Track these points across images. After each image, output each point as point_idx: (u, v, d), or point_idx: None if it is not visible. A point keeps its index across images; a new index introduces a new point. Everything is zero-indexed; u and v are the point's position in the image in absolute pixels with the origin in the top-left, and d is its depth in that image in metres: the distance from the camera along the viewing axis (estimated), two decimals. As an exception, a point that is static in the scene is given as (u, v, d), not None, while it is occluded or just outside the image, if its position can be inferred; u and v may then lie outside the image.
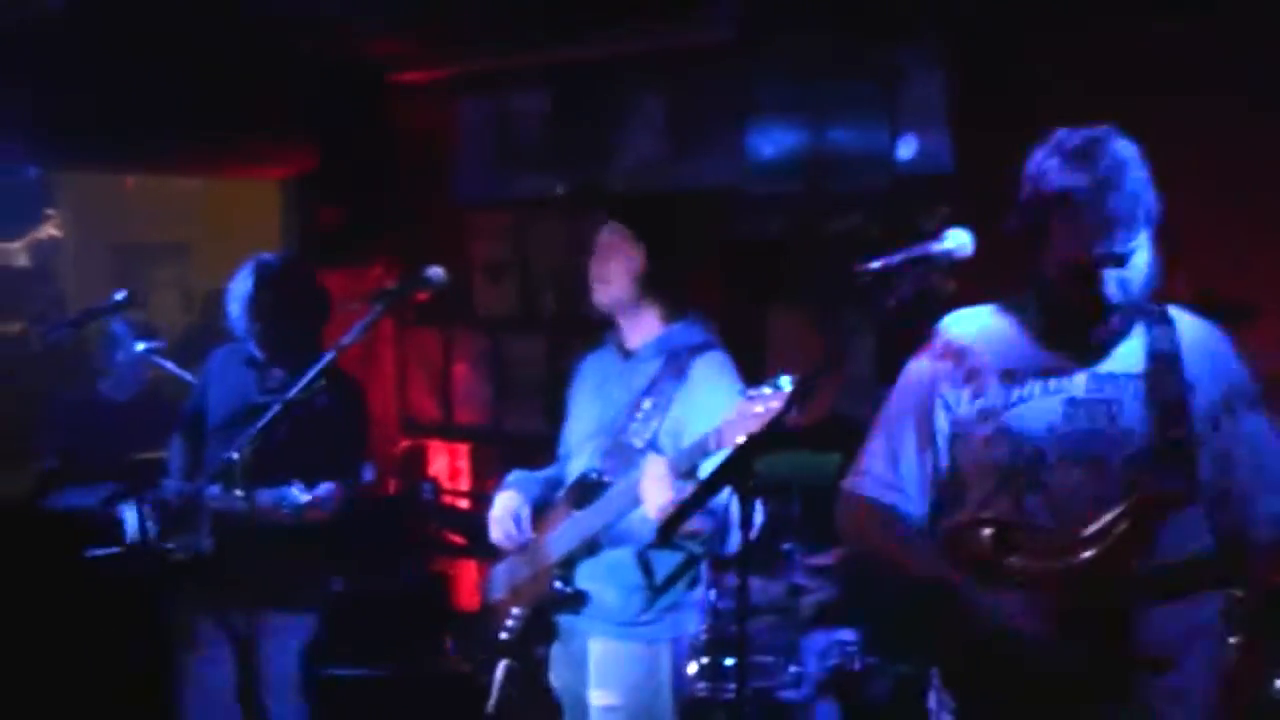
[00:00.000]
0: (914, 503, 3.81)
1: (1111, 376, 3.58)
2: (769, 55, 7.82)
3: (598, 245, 5.11)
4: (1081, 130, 3.54)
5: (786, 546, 6.37)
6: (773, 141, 7.84)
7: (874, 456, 3.89)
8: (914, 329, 6.77)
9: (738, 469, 3.62)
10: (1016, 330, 3.73)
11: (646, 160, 8.47)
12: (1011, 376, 3.67)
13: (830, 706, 6.27)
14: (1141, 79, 6.19)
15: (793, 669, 6.26)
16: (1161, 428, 3.51)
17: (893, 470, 3.83)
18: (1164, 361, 3.56)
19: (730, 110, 8.03)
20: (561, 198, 8.96)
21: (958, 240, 3.66)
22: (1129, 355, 3.59)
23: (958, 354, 3.78)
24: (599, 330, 5.33)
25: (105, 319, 7.81)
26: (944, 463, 3.78)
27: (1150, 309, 3.62)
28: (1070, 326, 3.61)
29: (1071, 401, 3.59)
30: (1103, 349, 3.61)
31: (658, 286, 5.05)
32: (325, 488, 5.79)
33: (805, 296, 7.50)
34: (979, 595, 3.56)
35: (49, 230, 14.22)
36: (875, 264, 3.71)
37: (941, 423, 3.77)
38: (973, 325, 3.82)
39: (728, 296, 7.65)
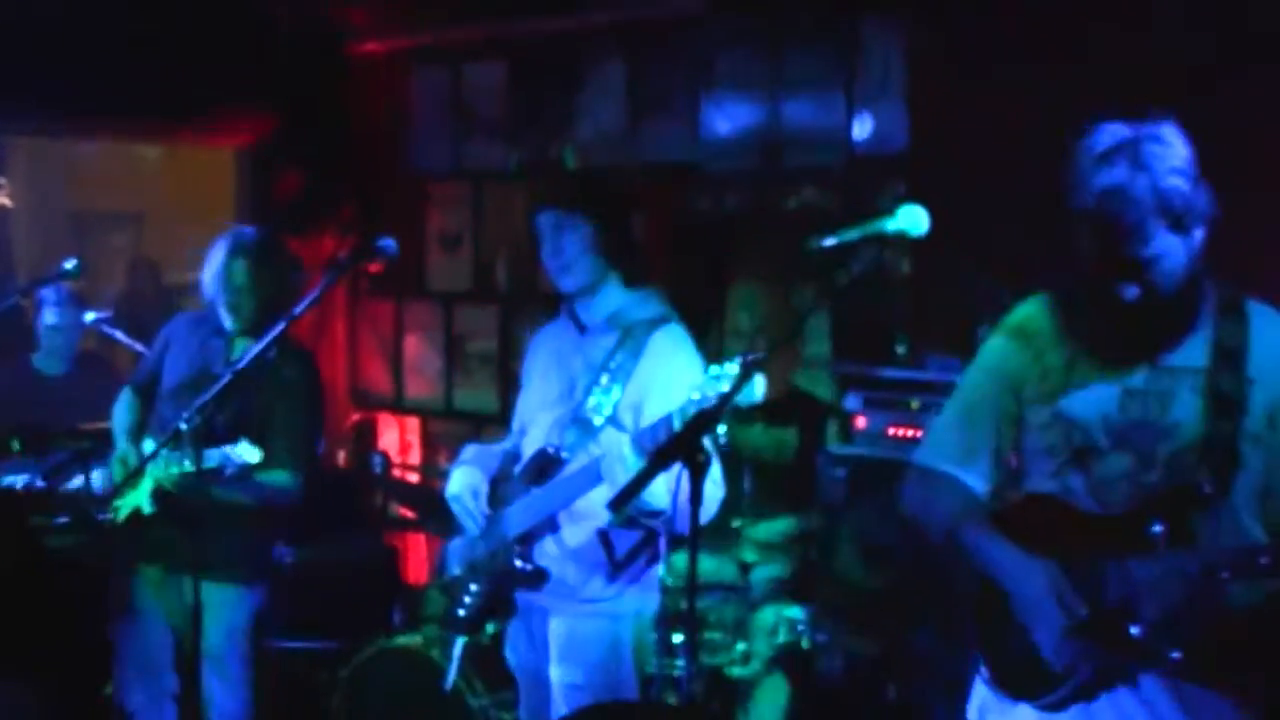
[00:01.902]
0: (981, 479, 3.84)
1: (1170, 369, 3.58)
2: (726, 30, 7.80)
3: (543, 233, 5.06)
4: (1119, 127, 3.51)
5: (736, 523, 6.36)
6: (729, 116, 7.82)
7: (946, 430, 3.95)
8: (868, 305, 6.80)
9: (689, 444, 3.60)
10: (1081, 318, 3.72)
11: (603, 134, 8.45)
12: (1073, 363, 3.69)
13: (779, 683, 6.26)
14: (1102, 58, 6.18)
15: (741, 646, 6.26)
16: (1212, 423, 3.51)
17: (962, 446, 3.87)
18: (1227, 356, 3.54)
19: (688, 85, 8.01)
20: (518, 170, 8.92)
21: (911, 218, 3.64)
22: (1193, 348, 3.58)
23: (1028, 336, 3.79)
24: (552, 304, 5.31)
25: (37, 290, 7.72)
26: (1009, 442, 3.82)
27: (1224, 302, 3.61)
28: (1127, 321, 3.59)
29: (1128, 392, 3.60)
30: (1167, 341, 3.60)
31: (614, 260, 5.03)
32: (281, 476, 5.81)
33: (760, 272, 7.50)
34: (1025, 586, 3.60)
35: (0, 198, 14.10)
36: (829, 240, 3.70)
37: (1009, 403, 3.79)
38: (1043, 309, 3.81)
39: (683, 271, 7.64)
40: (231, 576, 5.87)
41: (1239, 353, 3.55)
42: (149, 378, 6.24)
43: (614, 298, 5.06)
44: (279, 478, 5.80)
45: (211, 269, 6.04)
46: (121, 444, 6.06)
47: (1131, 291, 3.46)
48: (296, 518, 6.31)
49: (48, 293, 7.82)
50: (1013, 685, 3.71)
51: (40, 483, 6.82)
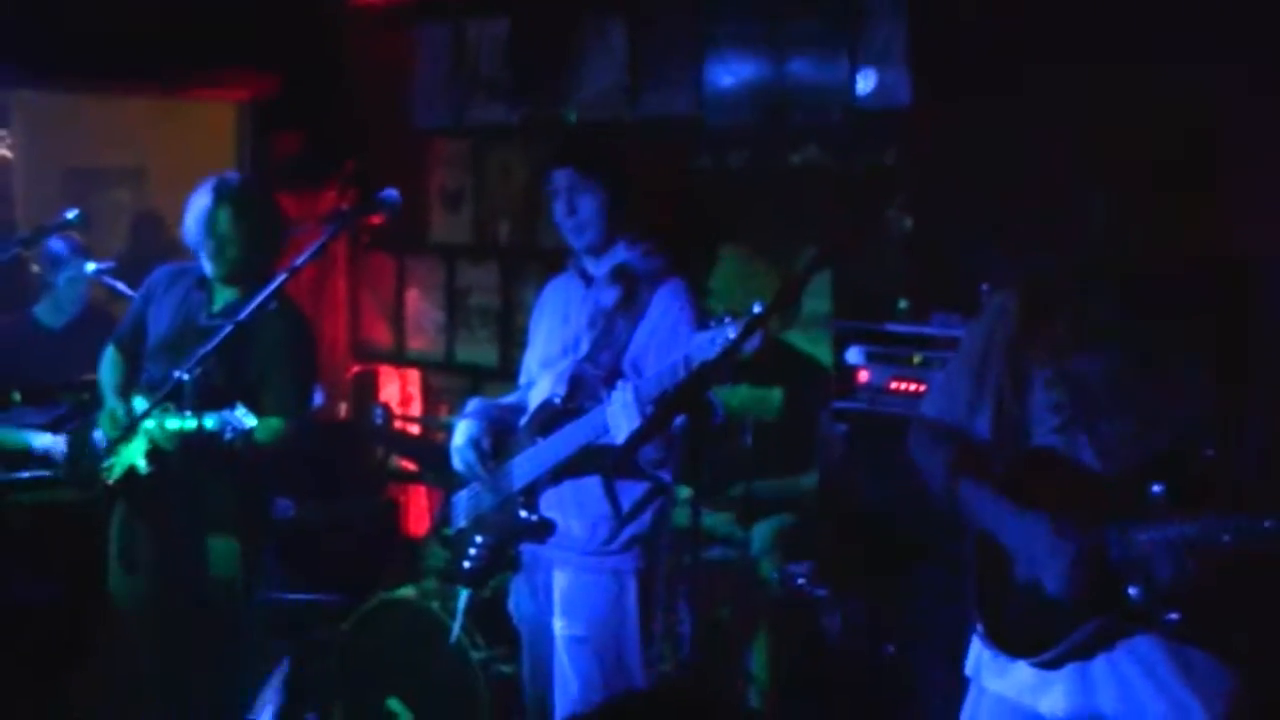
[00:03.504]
0: (986, 432, 3.86)
1: (1176, 335, 3.57)
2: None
3: (557, 190, 5.08)
4: (1108, 101, 3.53)
5: (738, 480, 6.38)
6: (731, 73, 7.81)
7: (950, 383, 3.97)
8: (869, 264, 6.79)
9: (692, 398, 3.61)
10: (1087, 280, 3.72)
11: (605, 90, 8.43)
12: (1078, 322, 3.68)
13: (778, 638, 6.28)
14: (1102, 22, 6.17)
15: (741, 600, 6.27)
16: (1218, 386, 3.52)
17: (966, 399, 3.88)
18: (1231, 319, 3.54)
19: (690, 40, 8.00)
20: (520, 125, 8.91)
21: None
22: (1201, 314, 3.57)
23: (1035, 294, 3.79)
24: (553, 260, 5.32)
25: (43, 241, 7.71)
26: (1013, 398, 3.81)
27: (1224, 269, 3.60)
28: (1135, 285, 3.60)
29: (1132, 354, 3.60)
30: (1173, 306, 3.59)
31: (624, 220, 5.05)
32: (274, 424, 5.75)
33: (762, 229, 7.50)
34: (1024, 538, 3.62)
35: (1, 151, 14.07)
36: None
37: (1014, 358, 3.79)
38: (1050, 270, 3.82)
39: (684, 227, 7.64)
40: (229, 530, 5.84)
41: (1244, 316, 3.56)
42: (132, 333, 6.21)
43: (619, 253, 5.09)
44: (272, 425, 5.74)
45: (194, 215, 5.98)
46: (110, 400, 6.05)
47: (1141, 254, 3.47)
48: (296, 470, 6.31)
49: (58, 245, 7.80)
50: (1010, 642, 3.72)
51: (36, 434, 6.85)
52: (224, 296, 6.00)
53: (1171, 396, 3.55)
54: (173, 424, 5.47)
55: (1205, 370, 3.53)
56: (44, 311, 7.93)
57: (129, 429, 5.68)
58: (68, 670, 6.68)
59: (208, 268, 6.01)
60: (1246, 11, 5.70)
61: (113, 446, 5.83)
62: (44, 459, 6.89)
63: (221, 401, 5.36)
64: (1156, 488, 3.45)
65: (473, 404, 5.41)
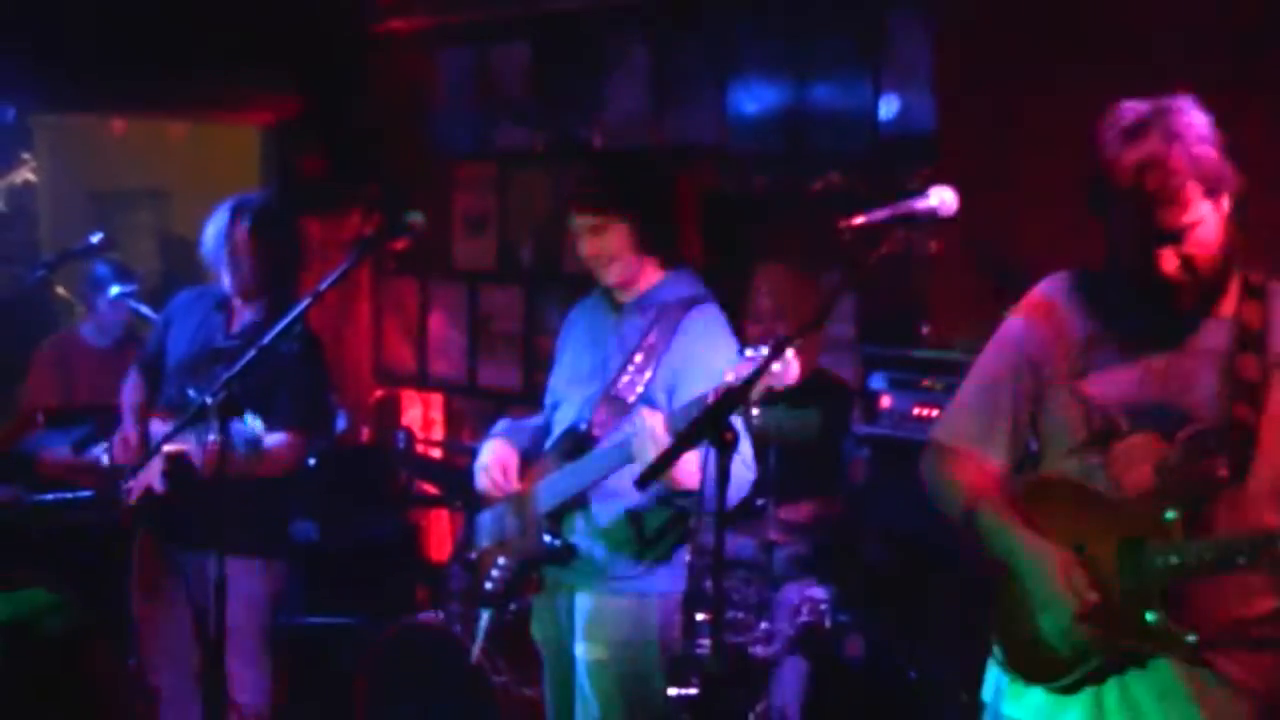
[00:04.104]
0: (999, 457, 3.84)
1: (1192, 351, 3.57)
2: (752, 11, 7.80)
3: (581, 230, 5.04)
4: (1139, 104, 3.52)
5: (760, 501, 6.36)
6: (755, 98, 7.82)
7: (963, 407, 3.95)
8: (893, 288, 6.80)
9: (716, 423, 3.60)
10: (1102, 298, 3.72)
11: (629, 115, 8.45)
12: (1093, 341, 3.68)
13: (800, 663, 6.27)
14: (1129, 42, 6.17)
15: (764, 625, 6.26)
16: (1232, 407, 3.50)
17: (980, 423, 3.87)
18: (1249, 339, 3.54)
19: (713, 66, 8.01)
20: (543, 150, 8.93)
21: (942, 198, 3.65)
22: (1215, 330, 3.58)
23: (1048, 315, 3.78)
24: (576, 283, 5.31)
25: (86, 263, 7.78)
26: (1027, 421, 3.81)
27: (1248, 284, 3.60)
28: (1151, 299, 3.59)
29: (1148, 373, 3.59)
30: (1187, 322, 3.59)
31: (653, 248, 5.04)
32: (281, 437, 5.77)
33: (787, 255, 7.50)
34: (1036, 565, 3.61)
35: (24, 174, 14.11)
36: (859, 219, 3.71)
37: (1028, 381, 3.79)
38: (1064, 289, 3.80)
39: (708, 253, 7.65)
40: (248, 550, 5.83)
41: (1261, 336, 3.55)
42: (153, 357, 6.24)
43: (650, 278, 5.08)
44: (280, 437, 5.76)
45: (213, 232, 6.03)
46: (126, 423, 6.09)
47: (1172, 262, 3.46)
48: (319, 494, 6.31)
49: (100, 269, 7.91)
50: (1026, 669, 3.72)
51: (70, 453, 6.87)
52: (242, 317, 6.04)
53: (1186, 416, 3.53)
54: (184, 442, 5.50)
55: (1221, 388, 3.52)
56: (89, 331, 8.04)
57: (149, 451, 5.70)
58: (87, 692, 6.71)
59: (226, 284, 6.04)
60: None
61: (131, 469, 5.85)
62: (79, 475, 6.92)
63: (232, 413, 5.36)
64: (1173, 513, 3.44)
65: (500, 424, 5.41)
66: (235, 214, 6.00)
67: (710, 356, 4.66)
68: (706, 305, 5.02)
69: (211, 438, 5.21)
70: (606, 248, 4.99)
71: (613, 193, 5.06)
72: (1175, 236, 3.44)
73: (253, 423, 5.34)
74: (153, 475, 5.77)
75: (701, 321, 4.96)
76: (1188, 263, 3.47)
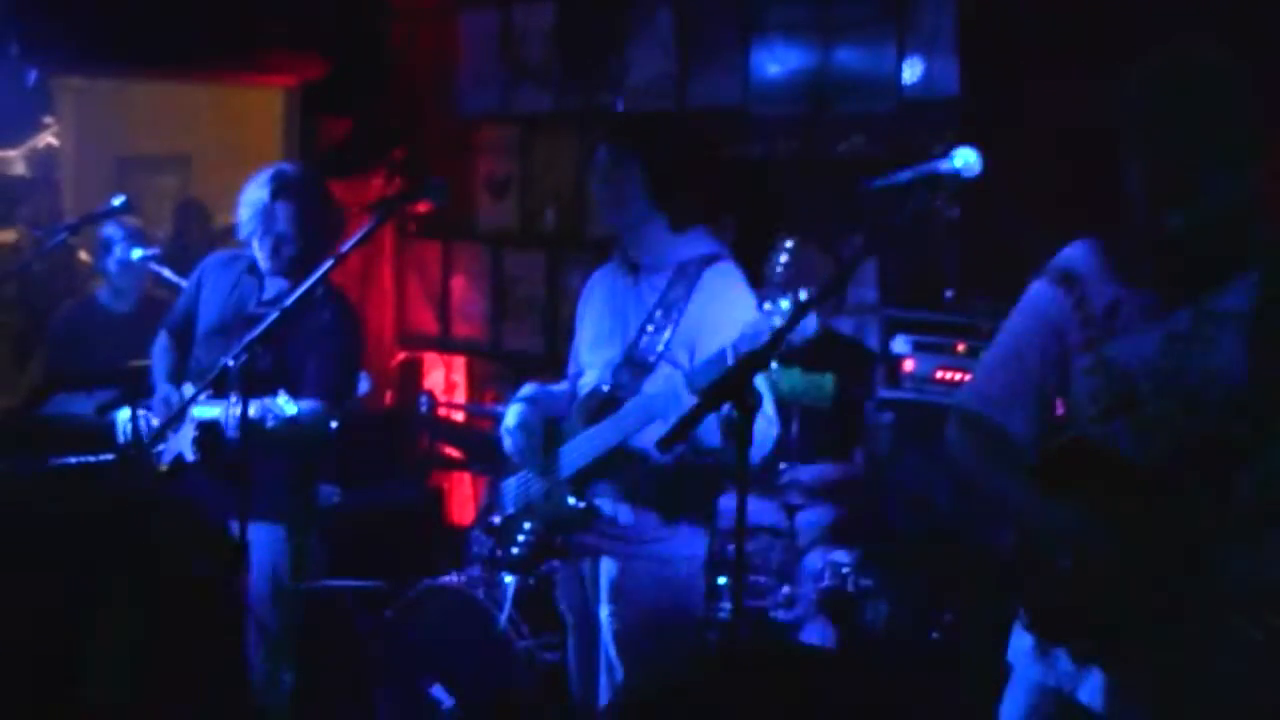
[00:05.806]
0: (1024, 424, 3.82)
1: (1215, 313, 3.53)
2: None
3: (598, 167, 5.08)
4: (1156, 59, 3.50)
5: (783, 466, 6.36)
6: (779, 61, 7.79)
7: (989, 374, 3.93)
8: (916, 252, 6.78)
9: (739, 384, 3.60)
10: (1124, 261, 3.69)
11: (652, 78, 8.43)
12: (1115, 307, 3.65)
13: (824, 627, 6.27)
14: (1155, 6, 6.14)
15: (786, 589, 6.26)
16: (1257, 369, 3.47)
17: (1005, 389, 3.85)
18: (1274, 300, 3.49)
19: (738, 29, 7.98)
20: (566, 113, 8.91)
21: (966, 159, 3.63)
22: (1239, 291, 3.53)
23: (1071, 280, 3.75)
24: (598, 247, 5.31)
25: (100, 226, 7.75)
26: (1054, 387, 3.80)
27: (1274, 244, 3.56)
28: (1172, 261, 3.57)
29: (1170, 337, 3.55)
30: (1212, 283, 3.55)
31: (665, 200, 5.02)
32: (309, 404, 5.72)
33: (809, 218, 7.48)
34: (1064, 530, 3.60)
35: (47, 138, 14.12)
36: (882, 181, 3.69)
37: (1053, 347, 3.77)
38: (1087, 253, 3.77)
39: (731, 216, 7.63)
40: (274, 516, 5.87)
41: None
42: (183, 321, 6.22)
43: (664, 238, 5.05)
44: (309, 405, 5.71)
45: (251, 208, 5.95)
46: (163, 387, 6.07)
47: (1176, 219, 3.44)
48: (341, 457, 6.30)
49: (110, 231, 7.85)
50: (1050, 630, 3.71)
51: (91, 417, 6.85)
52: (275, 284, 6.00)
53: (1210, 381, 3.51)
54: (208, 411, 5.50)
55: (1244, 351, 3.49)
56: (106, 296, 8.00)
57: (177, 415, 5.69)
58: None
59: (262, 262, 6.00)
60: None
61: (162, 432, 5.84)
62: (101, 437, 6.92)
63: (266, 388, 5.35)
64: (1197, 476, 3.43)
65: (525, 389, 5.40)
66: (274, 190, 5.92)
67: (730, 311, 4.64)
68: (724, 262, 5.01)
69: (235, 403, 5.23)
70: (620, 190, 5.00)
71: (635, 133, 5.12)
72: (1188, 194, 3.43)
73: (285, 404, 5.33)
74: (183, 443, 5.78)
75: (720, 277, 4.95)
76: (1198, 223, 3.45)
